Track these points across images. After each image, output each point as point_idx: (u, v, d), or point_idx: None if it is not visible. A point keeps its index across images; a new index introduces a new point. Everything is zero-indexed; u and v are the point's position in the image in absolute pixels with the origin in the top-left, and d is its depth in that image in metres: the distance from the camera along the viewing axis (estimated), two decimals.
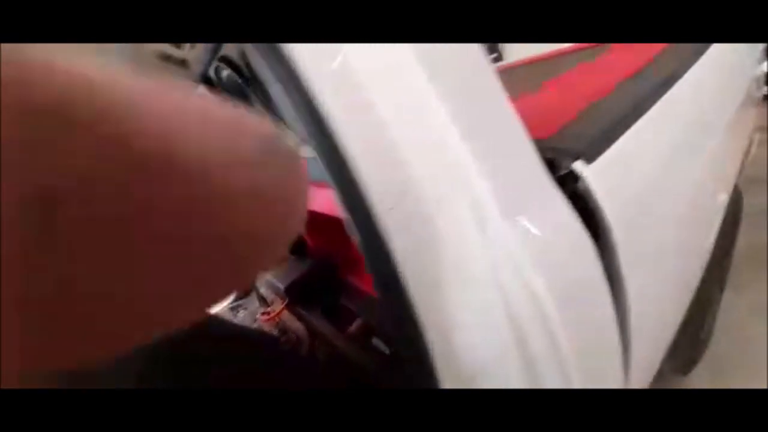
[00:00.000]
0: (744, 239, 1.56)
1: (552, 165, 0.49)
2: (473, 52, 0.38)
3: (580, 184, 0.45)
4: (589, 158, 0.47)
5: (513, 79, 1.72)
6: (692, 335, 1.07)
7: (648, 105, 0.64)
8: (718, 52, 1.09)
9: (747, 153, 1.36)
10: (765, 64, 2.28)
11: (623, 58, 1.24)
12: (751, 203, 1.74)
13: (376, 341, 0.80)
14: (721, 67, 1.06)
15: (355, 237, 0.33)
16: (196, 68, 0.93)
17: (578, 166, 0.46)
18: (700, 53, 1.01)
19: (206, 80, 0.94)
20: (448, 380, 0.36)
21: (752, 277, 1.52)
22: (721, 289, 1.27)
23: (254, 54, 0.65)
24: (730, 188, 0.95)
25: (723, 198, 0.86)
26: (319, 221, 0.66)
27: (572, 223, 0.42)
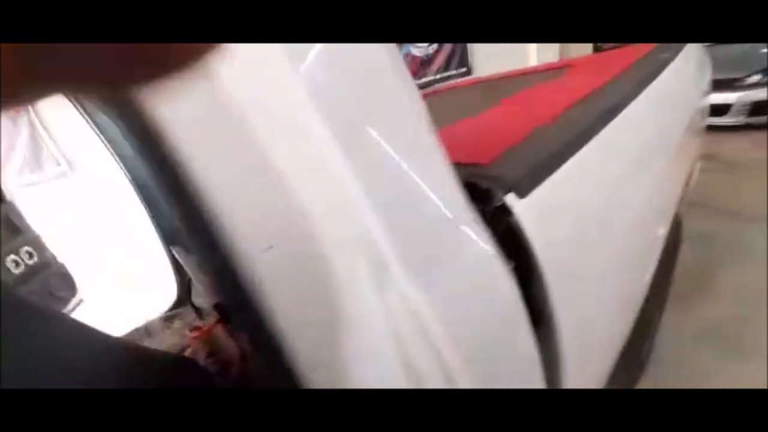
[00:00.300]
0: (683, 263, 1.64)
1: (488, 195, 0.45)
2: (381, 74, 0.33)
3: (512, 219, 0.42)
4: (523, 191, 0.44)
5: (475, 93, 1.72)
6: (631, 358, 1.08)
7: (590, 135, 0.63)
8: (663, 83, 1.12)
9: (688, 181, 1.42)
10: (710, 96, 2.43)
11: (577, 82, 1.27)
12: (691, 227, 1.84)
13: None
14: (665, 99, 1.09)
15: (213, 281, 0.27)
16: None
17: (510, 199, 0.43)
18: (647, 83, 1.04)
19: None
20: None
21: (691, 300, 1.59)
22: (661, 313, 1.30)
23: None
24: (670, 218, 0.98)
25: (663, 229, 0.87)
26: None
27: (490, 263, 0.38)
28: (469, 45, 4.79)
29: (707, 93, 1.78)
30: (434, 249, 0.35)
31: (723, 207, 2.22)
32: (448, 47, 4.68)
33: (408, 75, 0.39)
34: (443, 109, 1.49)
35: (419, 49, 4.52)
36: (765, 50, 3.37)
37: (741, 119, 3.30)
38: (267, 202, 0.26)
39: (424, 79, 4.61)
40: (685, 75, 1.42)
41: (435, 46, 4.59)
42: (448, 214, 0.36)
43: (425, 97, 1.82)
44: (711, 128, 3.13)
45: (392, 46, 0.36)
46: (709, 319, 1.50)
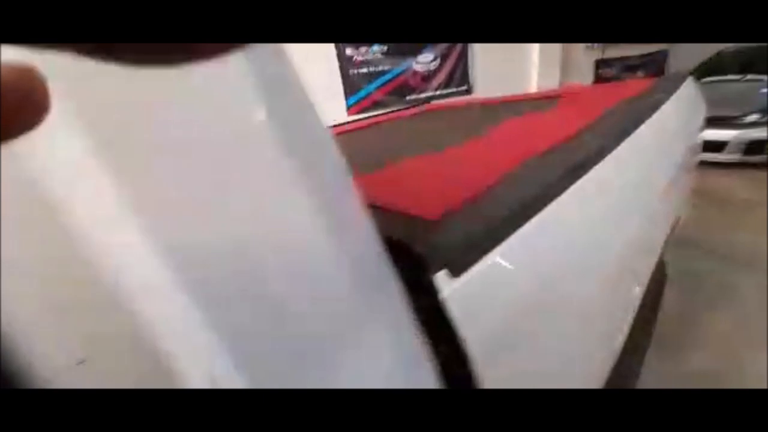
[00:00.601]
0: (666, 308, 1.58)
1: (421, 265, 0.39)
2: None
3: (439, 303, 0.36)
4: (458, 268, 0.38)
5: (462, 117, 1.67)
6: None
7: (564, 186, 0.57)
8: (653, 126, 1.08)
9: (676, 223, 1.37)
10: (706, 132, 2.40)
11: (565, 118, 1.22)
12: (677, 268, 1.78)
13: None
14: (653, 144, 1.04)
15: None
16: None
17: (441, 278, 0.37)
18: (635, 126, 0.99)
19: None
20: None
21: (673, 350, 1.53)
22: (640, 365, 1.24)
23: None
24: (650, 272, 0.91)
25: (640, 288, 0.81)
26: None
27: (400, 365, 0.32)
28: (470, 64, 4.78)
29: (700, 131, 1.74)
30: (314, 351, 0.28)
31: (712, 247, 2.17)
32: (449, 64, 4.67)
33: (297, 107, 0.30)
34: (426, 134, 1.44)
35: (421, 65, 4.51)
36: (764, 90, 3.37)
37: (736, 157, 3.28)
38: (72, 306, 0.20)
39: (423, 94, 4.59)
40: (677, 118, 1.38)
41: (437, 62, 4.58)
42: (342, 295, 0.29)
43: (416, 115, 1.77)
44: (706, 164, 3.11)
45: (269, 66, 0.28)
46: (691, 372, 1.43)
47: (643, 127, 1.05)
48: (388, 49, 4.28)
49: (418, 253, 0.40)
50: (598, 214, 0.65)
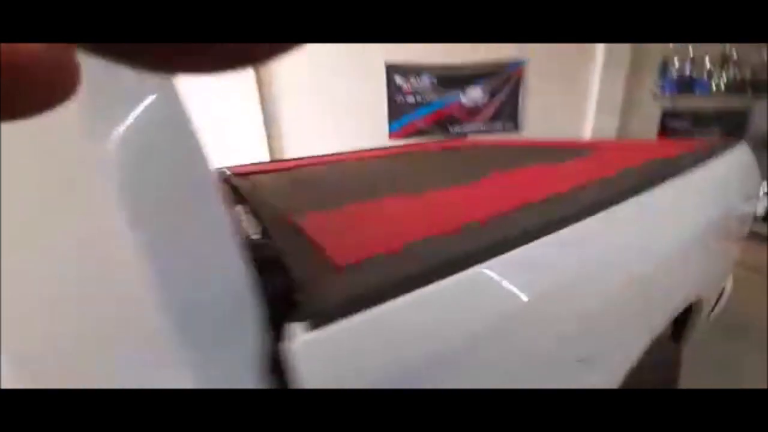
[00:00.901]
0: None
1: (285, 307, 0.39)
2: None
3: (282, 354, 0.36)
4: (320, 322, 0.38)
5: (469, 159, 1.65)
6: None
7: (489, 254, 0.54)
8: (664, 193, 1.00)
9: (696, 308, 1.22)
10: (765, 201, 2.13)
11: (577, 172, 1.17)
12: (716, 356, 1.56)
13: None
14: (659, 210, 0.96)
15: None
16: None
17: (296, 328, 0.37)
18: (640, 190, 0.92)
19: None
20: None
21: None
22: None
23: None
24: (626, 364, 0.79)
25: (596, 379, 0.70)
26: None
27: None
28: (521, 102, 4.68)
29: (750, 200, 1.56)
30: None
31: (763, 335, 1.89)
32: (499, 100, 4.62)
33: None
34: (429, 172, 1.44)
35: (469, 99, 4.51)
36: None
37: None
38: None
39: (468, 128, 4.57)
40: (712, 185, 1.27)
41: (486, 97, 4.55)
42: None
43: (441, 150, 1.77)
44: (761, 237, 2.75)
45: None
46: None
47: (653, 192, 0.97)
48: (437, 80, 4.35)
49: (291, 295, 0.40)
50: (535, 287, 0.57)
